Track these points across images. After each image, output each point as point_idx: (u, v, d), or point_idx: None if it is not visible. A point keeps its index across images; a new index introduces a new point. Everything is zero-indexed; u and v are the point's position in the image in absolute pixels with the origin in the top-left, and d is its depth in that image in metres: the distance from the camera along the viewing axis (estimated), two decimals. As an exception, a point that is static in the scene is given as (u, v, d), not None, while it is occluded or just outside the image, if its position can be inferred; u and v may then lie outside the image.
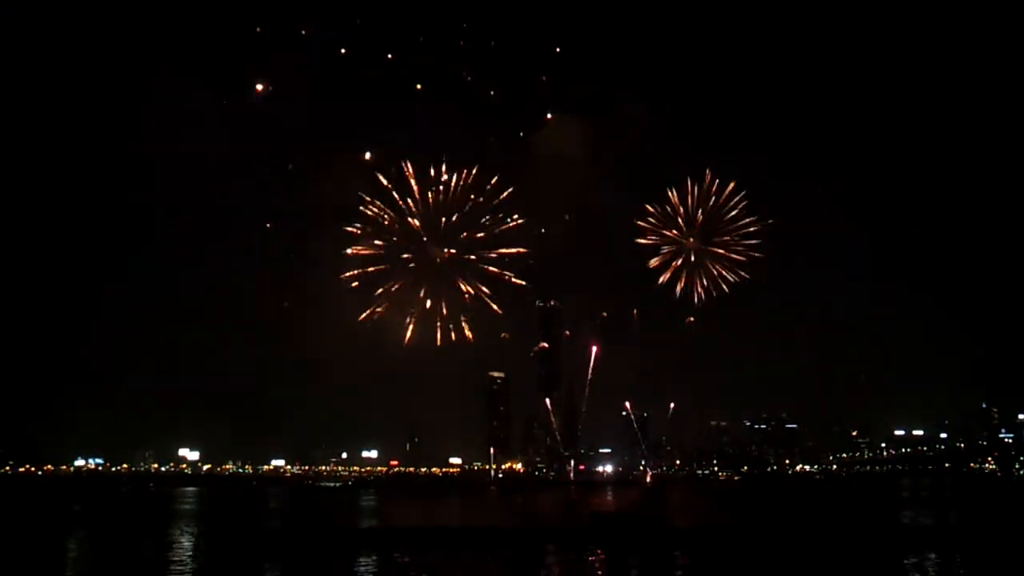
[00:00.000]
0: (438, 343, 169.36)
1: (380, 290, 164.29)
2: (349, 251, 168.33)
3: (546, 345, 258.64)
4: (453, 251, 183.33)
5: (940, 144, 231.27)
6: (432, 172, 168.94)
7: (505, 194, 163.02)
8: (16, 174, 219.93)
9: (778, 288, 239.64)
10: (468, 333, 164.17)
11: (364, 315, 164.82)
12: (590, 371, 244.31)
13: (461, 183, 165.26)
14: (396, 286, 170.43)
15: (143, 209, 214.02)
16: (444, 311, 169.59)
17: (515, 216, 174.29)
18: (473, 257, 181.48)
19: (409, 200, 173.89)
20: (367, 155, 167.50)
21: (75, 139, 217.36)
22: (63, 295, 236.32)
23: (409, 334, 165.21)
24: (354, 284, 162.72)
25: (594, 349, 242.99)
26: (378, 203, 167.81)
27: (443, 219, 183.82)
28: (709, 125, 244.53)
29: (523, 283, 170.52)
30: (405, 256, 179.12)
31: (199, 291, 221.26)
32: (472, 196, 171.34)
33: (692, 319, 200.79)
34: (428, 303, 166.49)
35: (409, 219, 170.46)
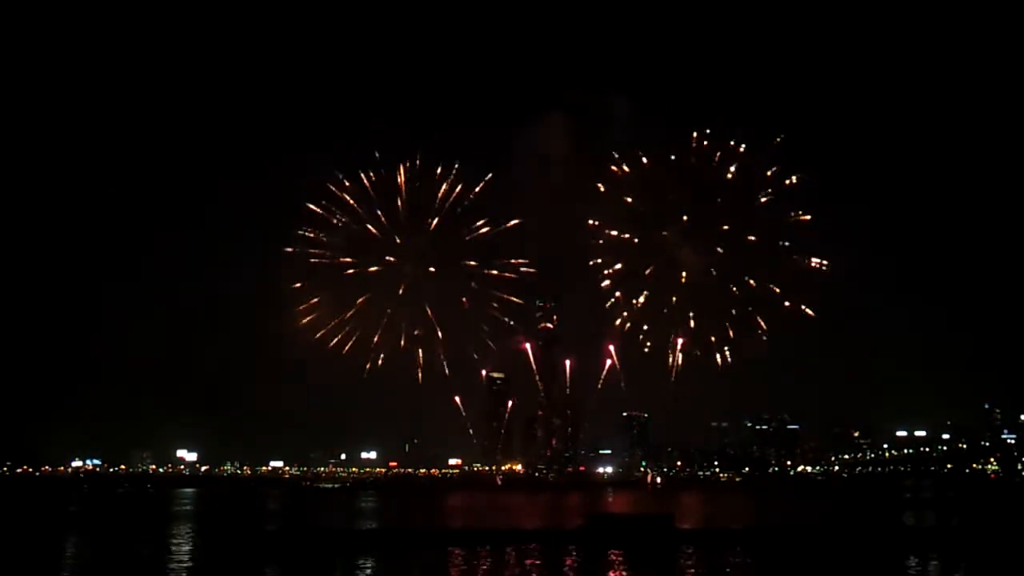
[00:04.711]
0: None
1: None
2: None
3: (550, 326, 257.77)
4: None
5: (940, 147, 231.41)
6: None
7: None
8: (15, 177, 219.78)
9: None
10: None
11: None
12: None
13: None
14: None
15: (142, 210, 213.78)
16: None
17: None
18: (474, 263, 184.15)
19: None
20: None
21: (70, 142, 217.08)
22: (61, 296, 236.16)
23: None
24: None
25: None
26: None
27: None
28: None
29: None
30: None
31: (198, 292, 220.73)
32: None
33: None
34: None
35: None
